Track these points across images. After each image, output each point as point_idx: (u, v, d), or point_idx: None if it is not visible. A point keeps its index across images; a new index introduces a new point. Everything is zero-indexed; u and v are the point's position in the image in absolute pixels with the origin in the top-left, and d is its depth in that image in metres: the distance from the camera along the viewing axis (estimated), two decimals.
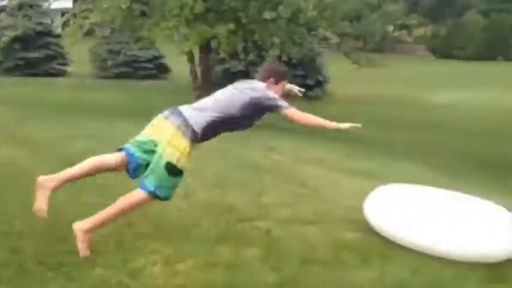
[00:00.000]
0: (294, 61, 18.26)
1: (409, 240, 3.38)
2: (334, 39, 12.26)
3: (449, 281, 3.01)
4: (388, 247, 3.43)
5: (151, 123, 3.01)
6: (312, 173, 5.50)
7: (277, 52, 11.09)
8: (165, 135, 2.89)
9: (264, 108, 3.10)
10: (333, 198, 4.34)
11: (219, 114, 2.98)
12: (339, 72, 23.05)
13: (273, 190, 4.57)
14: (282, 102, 3.10)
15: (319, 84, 24.13)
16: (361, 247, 3.39)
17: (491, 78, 29.79)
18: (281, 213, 3.90)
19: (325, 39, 13.33)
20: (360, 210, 4.33)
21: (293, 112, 3.07)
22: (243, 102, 3.04)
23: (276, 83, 3.27)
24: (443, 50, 45.04)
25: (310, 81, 23.56)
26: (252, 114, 3.11)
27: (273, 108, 3.09)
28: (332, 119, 3.13)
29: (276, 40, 10.87)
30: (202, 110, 2.99)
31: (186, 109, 2.99)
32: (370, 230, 3.72)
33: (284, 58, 13.29)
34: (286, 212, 3.96)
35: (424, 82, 29.78)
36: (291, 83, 3.58)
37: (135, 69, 20.04)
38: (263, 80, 3.25)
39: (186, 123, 2.91)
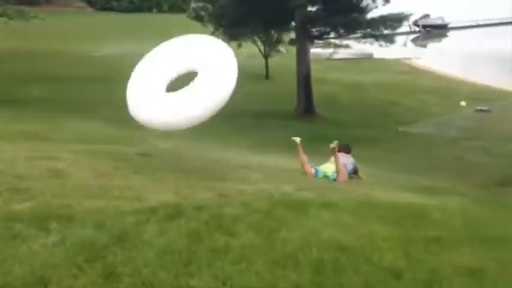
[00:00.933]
0: None
1: None
2: None
3: (133, 226, 3.05)
4: (68, 209, 3.23)
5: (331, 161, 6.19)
6: None
7: None
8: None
9: (356, 170, 6.33)
10: None
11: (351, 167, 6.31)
12: None
13: None
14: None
15: None
16: (37, 215, 3.09)
17: (150, 29, 31.53)
18: None
19: None
20: (30, 177, 3.97)
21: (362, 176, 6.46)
22: (353, 166, 6.29)
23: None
24: (100, 2, 44.92)
25: None
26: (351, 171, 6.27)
27: (357, 170, 6.39)
28: None
29: None
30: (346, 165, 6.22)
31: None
32: (45, 195, 3.43)
33: None
34: None
35: (84, 35, 29.25)
36: None
37: None
38: (348, 153, 6.49)
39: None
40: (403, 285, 2.60)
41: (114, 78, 19.06)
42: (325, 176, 5.99)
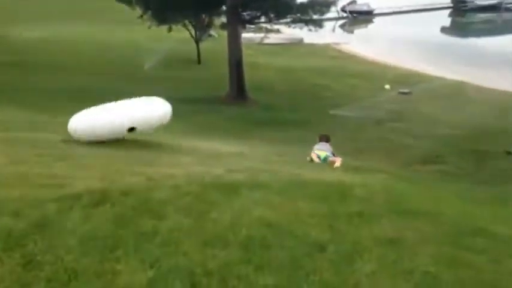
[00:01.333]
0: None
1: None
2: None
3: (54, 213, 2.94)
4: None
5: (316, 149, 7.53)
6: None
7: None
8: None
9: (333, 154, 7.40)
10: None
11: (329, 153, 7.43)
12: None
13: None
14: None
15: None
16: None
17: (76, 11, 30.13)
18: None
19: None
20: None
21: (336, 160, 7.12)
22: (330, 152, 7.42)
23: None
24: None
25: None
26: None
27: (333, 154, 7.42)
28: None
29: None
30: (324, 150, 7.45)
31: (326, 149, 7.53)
32: None
33: None
34: None
35: (5, 17, 27.50)
36: None
37: None
38: (327, 142, 7.71)
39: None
40: (327, 257, 2.69)
41: (35, 64, 18.13)
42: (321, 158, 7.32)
